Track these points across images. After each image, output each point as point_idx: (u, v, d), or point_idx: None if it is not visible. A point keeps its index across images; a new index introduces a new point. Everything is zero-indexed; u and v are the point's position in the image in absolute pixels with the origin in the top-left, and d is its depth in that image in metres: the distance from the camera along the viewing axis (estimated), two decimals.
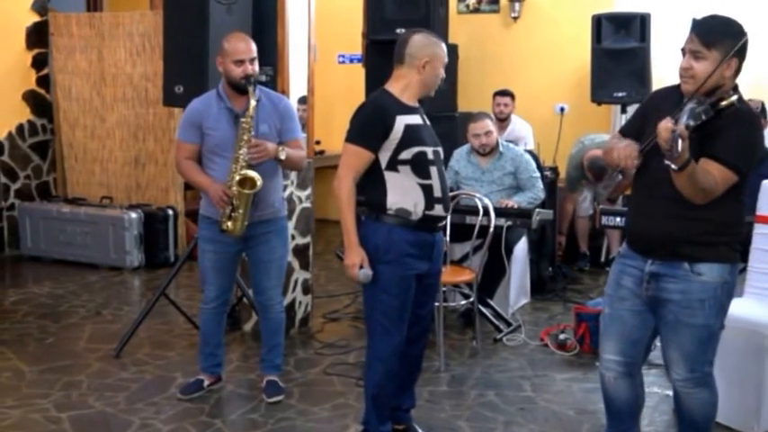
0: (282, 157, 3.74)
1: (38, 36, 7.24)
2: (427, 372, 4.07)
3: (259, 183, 3.66)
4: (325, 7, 7.88)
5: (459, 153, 5.47)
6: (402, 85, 3.25)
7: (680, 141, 2.49)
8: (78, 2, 8.23)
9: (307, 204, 4.99)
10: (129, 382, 4.20)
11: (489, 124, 5.32)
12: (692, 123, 2.57)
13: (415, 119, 3.24)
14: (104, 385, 4.16)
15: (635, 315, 2.93)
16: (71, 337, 4.94)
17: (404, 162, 3.18)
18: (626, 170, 2.93)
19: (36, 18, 7.22)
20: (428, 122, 3.32)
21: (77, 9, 7.96)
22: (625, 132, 2.98)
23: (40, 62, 7.30)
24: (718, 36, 2.67)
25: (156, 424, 3.72)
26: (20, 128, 7.20)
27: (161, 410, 3.87)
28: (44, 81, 7.35)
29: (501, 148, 5.36)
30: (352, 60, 8.29)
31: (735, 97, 2.64)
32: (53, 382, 4.20)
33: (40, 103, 7.34)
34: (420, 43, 3.22)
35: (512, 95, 6.89)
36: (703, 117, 2.60)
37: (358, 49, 7.50)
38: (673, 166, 2.59)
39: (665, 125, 2.54)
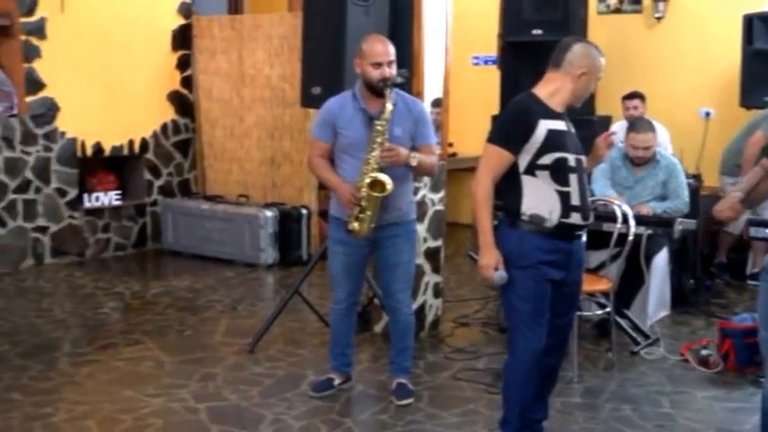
0: (414, 163, 3.71)
1: (182, 38, 7.53)
2: (560, 382, 3.94)
3: (389, 186, 3.65)
4: (459, 8, 7.80)
5: (613, 156, 5.16)
6: (551, 90, 3.18)
7: None
8: (220, 4, 8.52)
9: (439, 207, 4.95)
10: (263, 377, 4.29)
11: (651, 138, 5.04)
12: None
13: (559, 124, 3.15)
14: (239, 378, 4.26)
15: None
16: (208, 330, 5.10)
17: (543, 167, 3.10)
18: (726, 222, 2.77)
19: (181, 21, 7.51)
20: (573, 130, 3.23)
21: (219, 11, 8.25)
22: None
23: (183, 63, 7.59)
24: None
25: (288, 420, 3.78)
26: (164, 127, 7.51)
27: (293, 406, 3.93)
28: (187, 82, 7.64)
29: (657, 156, 5.12)
30: (486, 62, 8.18)
31: None
32: (191, 373, 4.34)
33: (183, 102, 7.64)
34: (581, 53, 3.16)
35: (641, 97, 6.53)
36: None
37: (492, 51, 7.40)
38: None
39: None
